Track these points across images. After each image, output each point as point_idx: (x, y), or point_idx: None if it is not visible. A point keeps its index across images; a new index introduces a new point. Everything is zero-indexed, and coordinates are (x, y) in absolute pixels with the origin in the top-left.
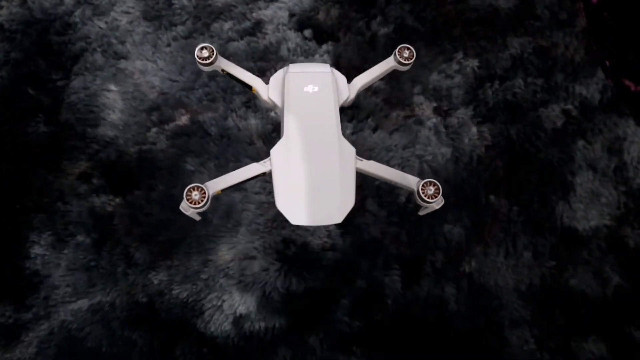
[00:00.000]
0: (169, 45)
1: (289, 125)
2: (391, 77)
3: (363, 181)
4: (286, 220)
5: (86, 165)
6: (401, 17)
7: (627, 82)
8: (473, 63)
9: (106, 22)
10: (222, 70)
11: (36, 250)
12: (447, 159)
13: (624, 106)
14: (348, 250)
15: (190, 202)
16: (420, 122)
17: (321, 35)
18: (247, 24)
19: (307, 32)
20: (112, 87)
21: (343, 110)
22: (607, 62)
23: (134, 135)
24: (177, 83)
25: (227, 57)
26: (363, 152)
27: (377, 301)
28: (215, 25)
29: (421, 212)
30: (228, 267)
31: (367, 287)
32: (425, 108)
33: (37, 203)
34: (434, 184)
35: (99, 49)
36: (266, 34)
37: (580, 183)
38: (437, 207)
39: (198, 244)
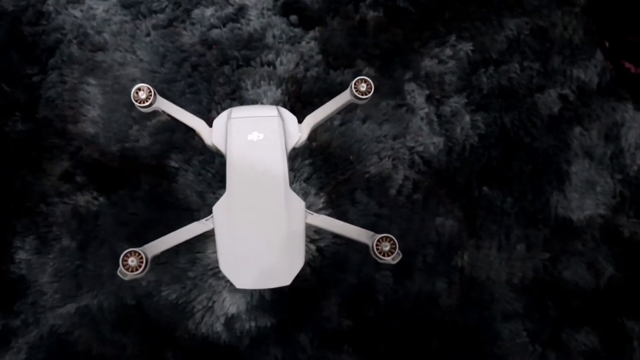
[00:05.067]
0: (148, 34)
1: (232, 179)
2: (382, 63)
3: (352, 174)
4: None
5: (68, 165)
6: None
7: (627, 64)
8: (467, 47)
9: (81, 11)
10: (163, 112)
11: (21, 255)
12: (439, 149)
13: (623, 89)
14: (337, 244)
15: (128, 269)
16: (412, 111)
17: (308, 20)
18: (230, 9)
19: (293, 18)
20: (91, 80)
21: (295, 151)
22: (607, 43)
23: (115, 132)
24: (159, 74)
25: (210, 45)
26: (352, 144)
27: (368, 297)
28: (197, 12)
29: (380, 261)
30: (217, 268)
31: (357, 283)
32: (416, 96)
33: (18, 206)
34: (390, 240)
35: (74, 41)
36: (250, 19)
37: (576, 172)
38: (394, 262)
39: (186, 242)
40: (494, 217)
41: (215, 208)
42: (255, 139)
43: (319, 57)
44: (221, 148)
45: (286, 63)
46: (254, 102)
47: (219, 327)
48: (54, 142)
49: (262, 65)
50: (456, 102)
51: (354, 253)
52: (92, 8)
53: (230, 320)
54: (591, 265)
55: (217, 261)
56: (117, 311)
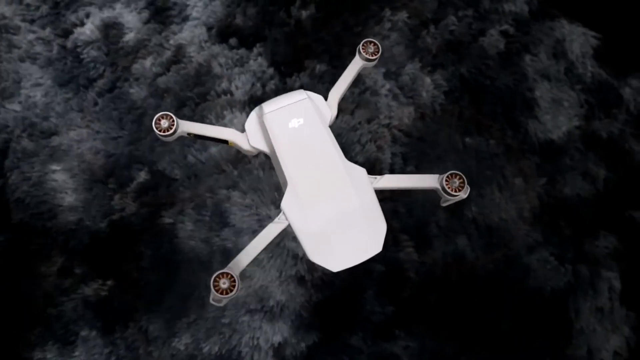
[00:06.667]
0: (96, 104)
1: (289, 169)
2: (330, 56)
3: None
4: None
5: (62, 260)
6: None
7: None
8: (402, 16)
9: (20, 103)
10: (189, 134)
11: None
12: (413, 118)
13: (553, 9)
14: None
15: (222, 293)
16: (375, 92)
17: (247, 39)
18: (168, 53)
19: (233, 41)
20: (55, 167)
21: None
22: None
23: (98, 209)
24: (122, 138)
25: (161, 94)
26: None
27: (400, 278)
28: (136, 66)
29: (444, 204)
30: (246, 303)
31: (385, 269)
32: (374, 76)
33: (26, 318)
34: (456, 175)
35: (24, 135)
36: (191, 56)
37: (541, 95)
38: (465, 196)
39: (207, 291)
40: (485, 163)
41: (283, 205)
42: (297, 125)
43: (270, 70)
44: (261, 147)
45: (241, 86)
46: None
47: None
48: (40, 242)
49: (218, 96)
50: (412, 69)
51: None
52: (30, 97)
53: (279, 350)
54: (585, 174)
55: (245, 297)
56: None
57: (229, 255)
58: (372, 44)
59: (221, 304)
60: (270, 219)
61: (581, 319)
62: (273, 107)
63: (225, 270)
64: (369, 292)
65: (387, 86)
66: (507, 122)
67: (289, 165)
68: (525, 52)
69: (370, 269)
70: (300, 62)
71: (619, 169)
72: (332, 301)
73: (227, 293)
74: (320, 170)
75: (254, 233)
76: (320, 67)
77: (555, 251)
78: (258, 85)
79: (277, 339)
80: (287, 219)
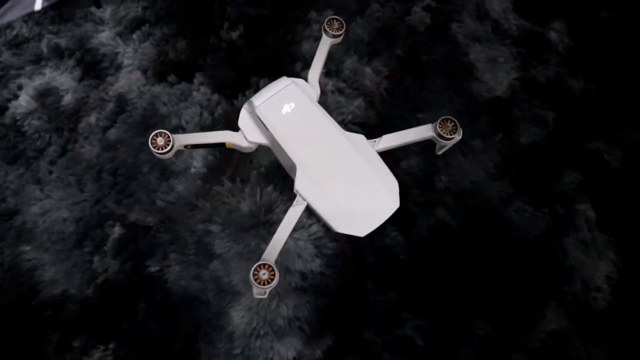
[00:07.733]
0: (51, 172)
1: (295, 153)
2: (271, 70)
3: None
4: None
5: (56, 336)
6: (243, 13)
7: None
8: (328, 14)
9: None
10: (186, 147)
11: None
12: (363, 108)
13: None
14: (340, 238)
15: (262, 283)
16: (321, 92)
17: (184, 72)
18: (110, 105)
19: (171, 78)
20: (25, 247)
21: None
22: None
23: (81, 276)
24: (86, 201)
25: (115, 146)
26: None
27: (393, 263)
28: (82, 125)
29: (440, 151)
30: (254, 329)
31: (377, 259)
32: None
33: None
34: (448, 120)
35: None
36: (134, 102)
37: (476, 58)
38: (459, 137)
39: (211, 327)
40: None
41: (297, 187)
42: (289, 110)
43: (215, 97)
44: (259, 141)
45: (191, 119)
46: (184, 171)
47: None
48: (28, 324)
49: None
50: (350, 63)
51: (353, 237)
52: None
53: None
54: (536, 120)
55: (250, 323)
56: None
57: (222, 285)
58: (336, 20)
59: (265, 296)
60: (250, 245)
61: (569, 256)
62: (263, 99)
63: (260, 262)
64: (368, 284)
65: (331, 83)
66: (451, 90)
67: (294, 148)
68: (451, 21)
69: (364, 262)
70: (243, 82)
71: (564, 107)
72: (336, 302)
73: (267, 283)
74: (323, 145)
75: (241, 257)
76: (263, 82)
77: (528, 199)
78: (206, 114)
79: (291, 354)
80: (304, 199)
